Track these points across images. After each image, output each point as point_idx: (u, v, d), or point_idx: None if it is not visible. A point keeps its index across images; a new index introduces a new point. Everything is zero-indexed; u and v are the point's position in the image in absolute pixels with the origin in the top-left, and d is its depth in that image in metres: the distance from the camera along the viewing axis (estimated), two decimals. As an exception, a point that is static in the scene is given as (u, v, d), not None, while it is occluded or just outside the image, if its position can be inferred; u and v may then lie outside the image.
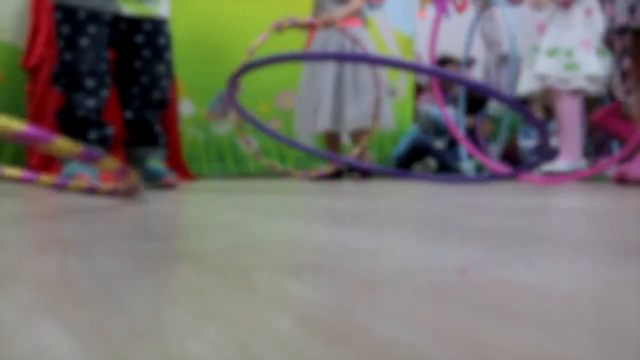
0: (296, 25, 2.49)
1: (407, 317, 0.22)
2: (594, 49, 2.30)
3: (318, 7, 2.57)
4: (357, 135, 2.59)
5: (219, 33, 2.95)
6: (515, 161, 3.03)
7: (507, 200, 1.07)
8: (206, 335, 0.20)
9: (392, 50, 3.60)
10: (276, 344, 0.19)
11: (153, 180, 1.51)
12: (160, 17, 1.53)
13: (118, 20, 1.47)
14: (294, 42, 2.59)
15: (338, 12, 2.49)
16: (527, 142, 3.12)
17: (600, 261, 0.37)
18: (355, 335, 0.20)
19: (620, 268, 0.34)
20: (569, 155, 2.28)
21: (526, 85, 2.46)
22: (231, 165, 3.09)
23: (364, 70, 2.50)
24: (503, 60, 4.02)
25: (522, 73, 2.53)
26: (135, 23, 1.48)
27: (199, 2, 2.99)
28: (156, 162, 1.55)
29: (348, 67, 2.50)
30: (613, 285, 0.29)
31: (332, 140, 2.63)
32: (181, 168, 2.65)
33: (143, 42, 1.50)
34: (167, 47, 1.57)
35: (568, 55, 2.31)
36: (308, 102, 2.55)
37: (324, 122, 2.49)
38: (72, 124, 1.42)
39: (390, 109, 2.62)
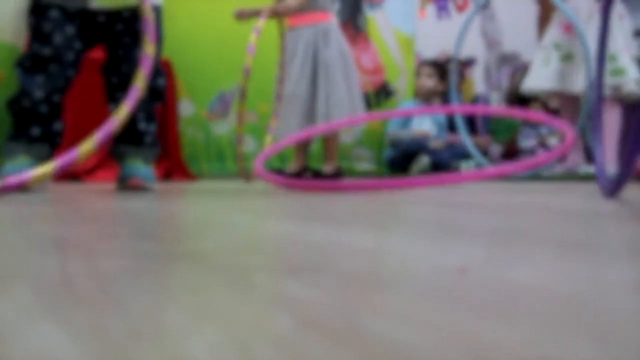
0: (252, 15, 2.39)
1: (407, 317, 0.22)
2: (631, 54, 2.24)
3: None
4: (327, 142, 2.57)
5: (219, 33, 2.95)
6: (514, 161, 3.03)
7: (507, 200, 1.07)
8: (206, 335, 0.20)
9: (393, 50, 3.60)
10: (276, 344, 0.19)
11: (122, 182, 1.38)
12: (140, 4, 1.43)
13: (94, 14, 1.38)
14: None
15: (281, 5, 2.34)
16: (528, 142, 3.12)
17: (600, 261, 0.37)
18: (355, 336, 0.20)
19: (620, 268, 0.34)
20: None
21: (536, 82, 2.37)
22: (231, 165, 3.09)
23: (339, 76, 2.45)
24: (504, 59, 4.02)
25: (532, 69, 2.43)
26: (114, 13, 1.39)
27: (199, 2, 3.00)
28: (137, 161, 1.41)
29: (322, 73, 2.45)
30: (613, 285, 0.29)
31: (302, 146, 2.60)
32: (181, 168, 2.65)
33: (122, 29, 1.39)
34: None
35: (613, 61, 2.19)
36: (289, 107, 2.49)
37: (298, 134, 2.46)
38: (18, 115, 1.33)
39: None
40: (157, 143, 1.48)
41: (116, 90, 1.41)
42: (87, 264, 0.35)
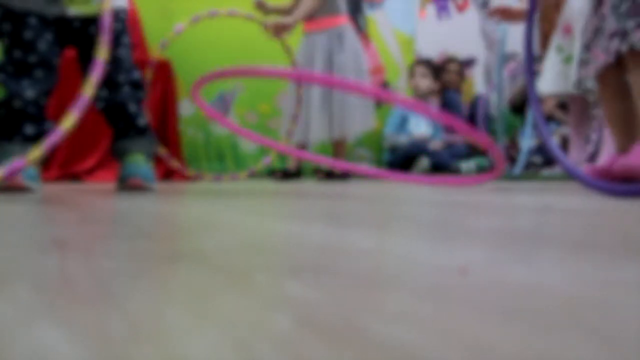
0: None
1: (407, 317, 0.22)
2: None
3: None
4: (337, 145, 2.59)
5: (219, 33, 2.95)
6: (515, 161, 3.03)
7: (507, 200, 1.07)
8: (206, 335, 0.20)
9: (393, 50, 3.60)
10: (276, 344, 0.19)
11: (122, 182, 1.38)
12: (112, 9, 1.44)
13: (70, 20, 1.39)
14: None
15: (288, 18, 2.36)
16: (528, 143, 3.11)
17: (601, 261, 0.37)
18: (355, 336, 0.20)
19: (620, 268, 0.34)
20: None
21: (548, 86, 2.36)
22: (231, 165, 3.09)
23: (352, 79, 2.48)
24: (503, 59, 4.01)
25: (542, 73, 2.42)
26: (88, 18, 1.40)
27: (199, 2, 3.00)
28: (138, 157, 1.42)
29: (337, 76, 2.47)
30: (613, 285, 0.29)
31: (301, 148, 2.63)
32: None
33: (96, 32, 1.37)
34: (123, 32, 1.46)
35: None
36: (297, 114, 2.51)
37: (315, 137, 2.49)
38: (9, 116, 1.32)
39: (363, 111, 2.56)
40: (151, 131, 1.50)
41: (101, 88, 1.41)
42: (87, 264, 0.35)
